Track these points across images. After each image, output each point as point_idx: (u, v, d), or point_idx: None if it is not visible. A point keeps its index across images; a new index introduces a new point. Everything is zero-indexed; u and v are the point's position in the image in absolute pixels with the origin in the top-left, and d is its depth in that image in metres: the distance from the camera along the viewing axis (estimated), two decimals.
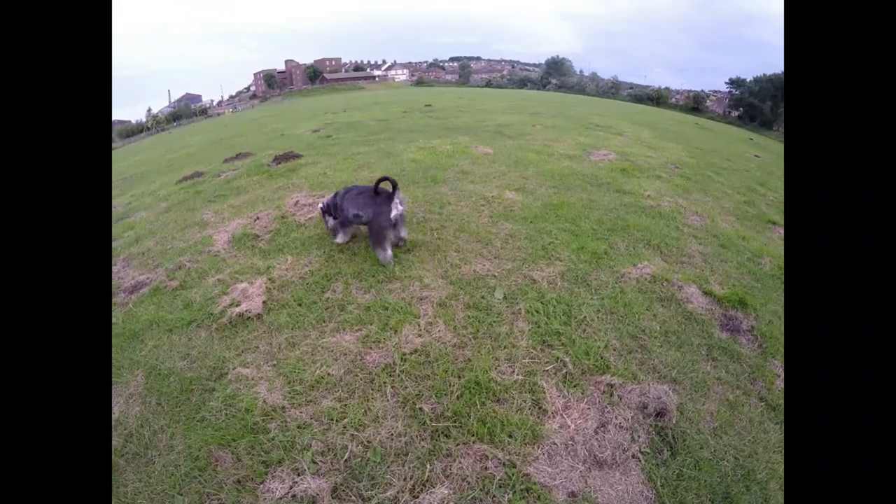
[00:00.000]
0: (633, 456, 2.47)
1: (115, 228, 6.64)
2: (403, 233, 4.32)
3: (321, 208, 4.64)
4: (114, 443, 2.68)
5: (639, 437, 2.57)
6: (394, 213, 3.98)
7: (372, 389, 2.82)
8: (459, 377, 2.87)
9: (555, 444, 2.49)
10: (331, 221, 4.58)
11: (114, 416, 2.88)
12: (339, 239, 4.51)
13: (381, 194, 4.04)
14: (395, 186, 3.97)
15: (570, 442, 2.51)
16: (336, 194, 4.41)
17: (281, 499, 2.24)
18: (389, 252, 4.09)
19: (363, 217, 4.08)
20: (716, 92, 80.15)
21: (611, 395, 2.79)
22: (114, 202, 8.87)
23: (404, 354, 3.04)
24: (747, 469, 2.47)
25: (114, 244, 5.92)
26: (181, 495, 2.34)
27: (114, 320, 3.91)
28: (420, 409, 2.66)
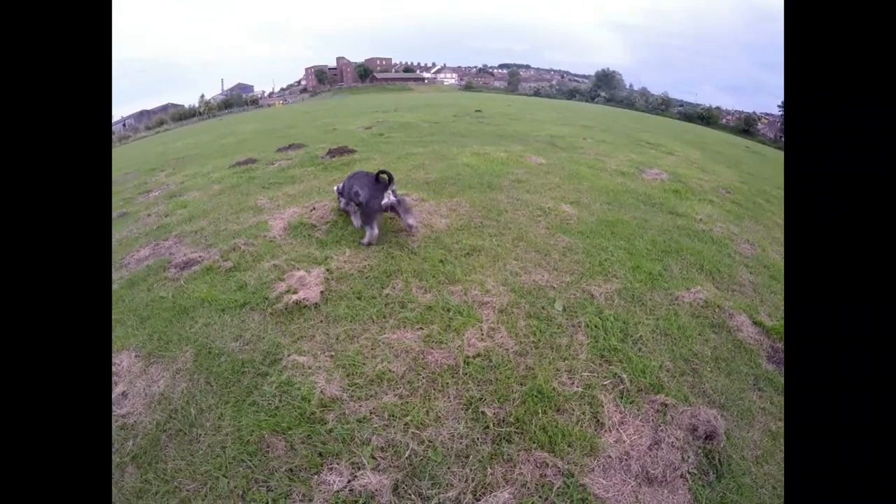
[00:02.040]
0: (682, 476, 2.49)
1: (168, 205, 6.92)
2: (411, 220, 4.74)
3: (336, 189, 5.20)
4: (156, 417, 2.73)
5: (688, 457, 2.58)
6: (385, 201, 4.51)
7: (434, 389, 2.85)
8: (521, 384, 2.90)
9: (610, 457, 2.51)
10: (343, 201, 5.05)
11: (158, 391, 2.93)
12: (357, 223, 4.95)
13: (380, 182, 4.52)
14: (390, 179, 4.51)
15: (625, 456, 2.53)
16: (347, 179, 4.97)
17: (339, 492, 2.24)
18: (376, 231, 4.58)
19: (360, 196, 4.52)
20: (767, 115, 78.20)
21: (664, 415, 2.81)
22: (167, 180, 9.15)
23: (467, 357, 3.07)
24: (783, 499, 2.48)
25: (166, 220, 6.16)
26: (227, 478, 2.33)
27: (163, 294, 4.02)
28: (482, 412, 2.69)
